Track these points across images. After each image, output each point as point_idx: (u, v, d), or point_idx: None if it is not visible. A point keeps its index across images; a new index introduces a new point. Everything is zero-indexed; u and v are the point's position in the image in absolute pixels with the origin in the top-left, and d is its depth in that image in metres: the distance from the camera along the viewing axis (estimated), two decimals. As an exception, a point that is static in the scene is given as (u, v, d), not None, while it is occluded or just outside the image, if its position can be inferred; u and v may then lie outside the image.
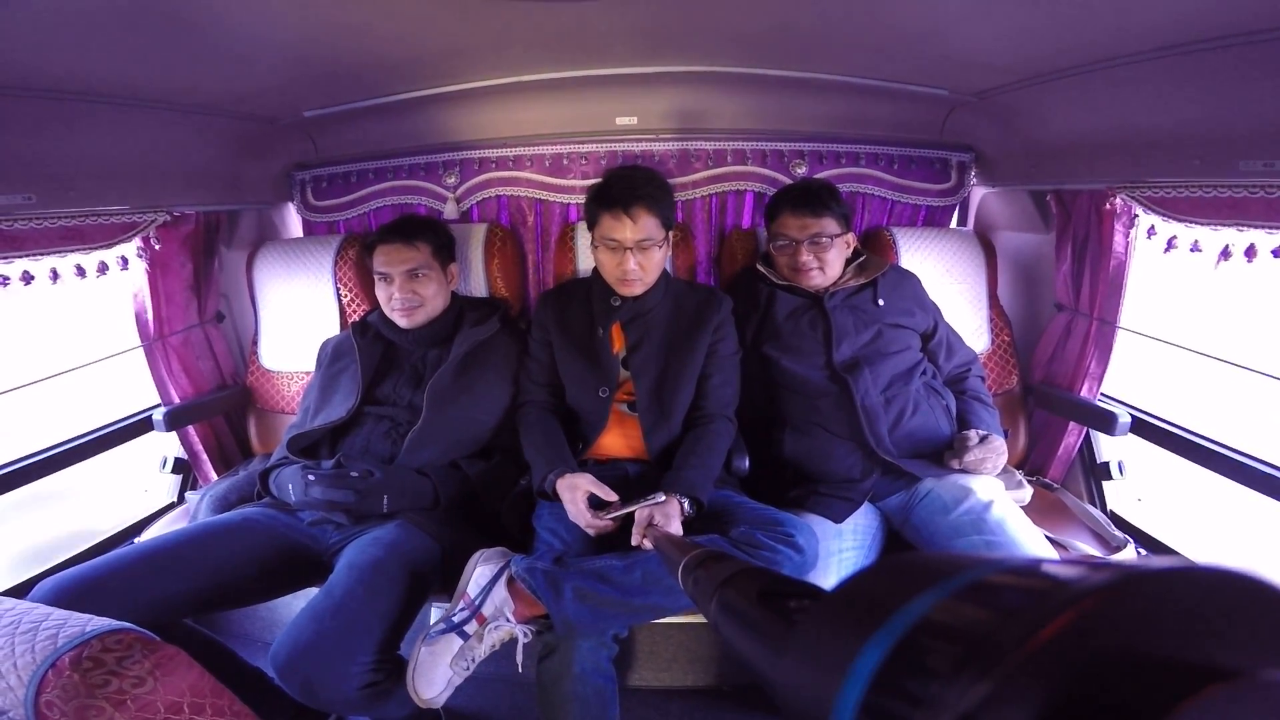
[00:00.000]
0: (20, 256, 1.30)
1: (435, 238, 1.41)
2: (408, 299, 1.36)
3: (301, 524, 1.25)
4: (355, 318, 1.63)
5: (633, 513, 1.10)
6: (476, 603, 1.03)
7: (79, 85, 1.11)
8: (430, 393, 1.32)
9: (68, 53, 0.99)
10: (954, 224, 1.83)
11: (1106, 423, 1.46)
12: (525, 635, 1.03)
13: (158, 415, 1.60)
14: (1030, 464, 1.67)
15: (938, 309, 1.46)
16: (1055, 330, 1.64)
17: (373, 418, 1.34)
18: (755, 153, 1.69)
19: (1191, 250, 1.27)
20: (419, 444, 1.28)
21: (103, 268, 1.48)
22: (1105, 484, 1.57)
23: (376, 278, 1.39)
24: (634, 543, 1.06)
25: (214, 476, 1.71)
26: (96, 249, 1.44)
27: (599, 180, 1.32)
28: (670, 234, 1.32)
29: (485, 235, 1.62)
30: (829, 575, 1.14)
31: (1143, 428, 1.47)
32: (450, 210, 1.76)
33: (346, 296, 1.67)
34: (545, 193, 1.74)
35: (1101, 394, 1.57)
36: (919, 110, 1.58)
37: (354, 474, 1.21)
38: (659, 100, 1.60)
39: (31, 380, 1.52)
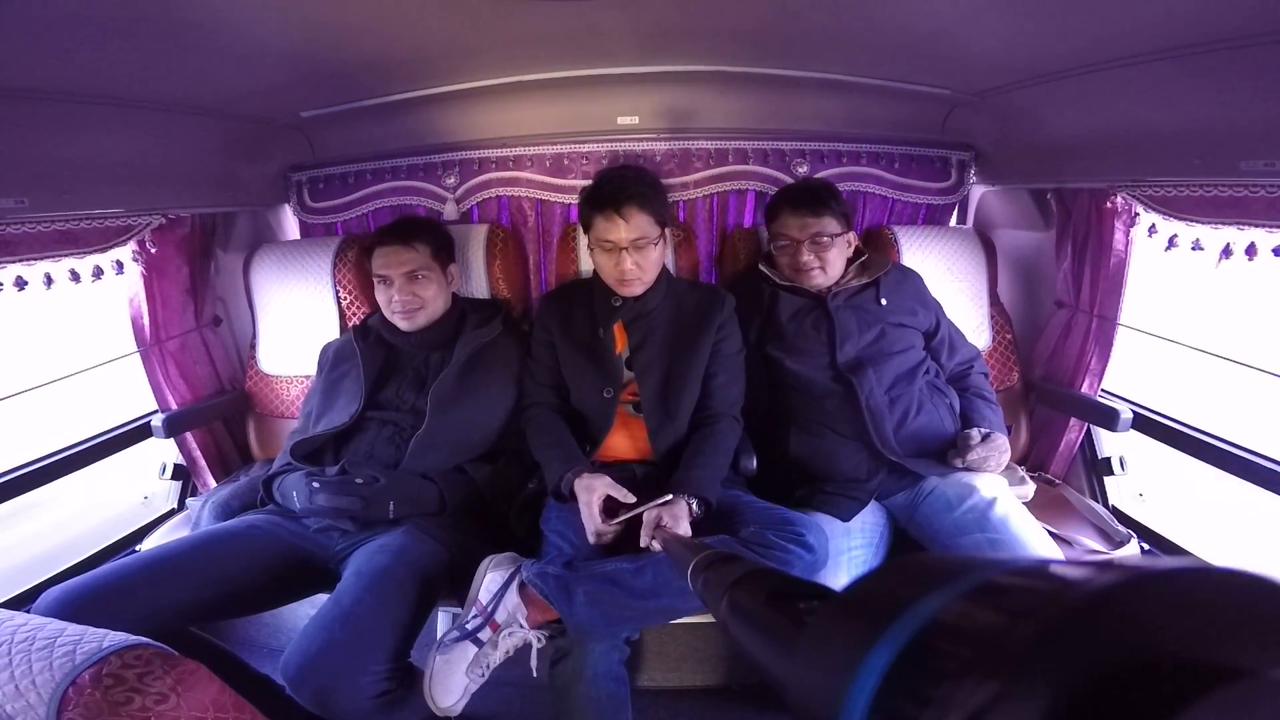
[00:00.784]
0: (13, 261, 1.27)
1: (434, 239, 1.40)
2: (408, 301, 1.35)
3: (307, 531, 1.24)
4: (355, 320, 1.61)
5: (641, 514, 1.09)
6: (489, 609, 1.03)
7: (71, 86, 1.09)
8: (433, 397, 1.31)
9: (60, 54, 0.96)
10: (953, 222, 1.84)
11: (1108, 418, 1.48)
12: (539, 641, 1.03)
13: (156, 421, 1.58)
14: (1032, 460, 1.68)
15: (940, 307, 1.46)
16: (1055, 327, 1.66)
17: (376, 423, 1.33)
18: (756, 152, 1.69)
19: (1193, 249, 1.28)
20: (424, 449, 1.27)
21: (97, 272, 1.46)
22: (1107, 479, 1.58)
23: (376, 280, 1.37)
24: (642, 544, 1.06)
25: (213, 482, 1.69)
26: (91, 253, 1.41)
27: (589, 183, 1.31)
28: (667, 231, 1.32)
29: (486, 236, 1.61)
30: (840, 574, 1.14)
31: (1143, 423, 1.49)
32: (450, 211, 1.74)
33: (346, 299, 1.65)
34: (546, 193, 1.73)
35: (1102, 390, 1.59)
36: (920, 109, 1.59)
37: (359, 481, 1.20)
38: (660, 99, 1.59)
39: (27, 387, 1.50)
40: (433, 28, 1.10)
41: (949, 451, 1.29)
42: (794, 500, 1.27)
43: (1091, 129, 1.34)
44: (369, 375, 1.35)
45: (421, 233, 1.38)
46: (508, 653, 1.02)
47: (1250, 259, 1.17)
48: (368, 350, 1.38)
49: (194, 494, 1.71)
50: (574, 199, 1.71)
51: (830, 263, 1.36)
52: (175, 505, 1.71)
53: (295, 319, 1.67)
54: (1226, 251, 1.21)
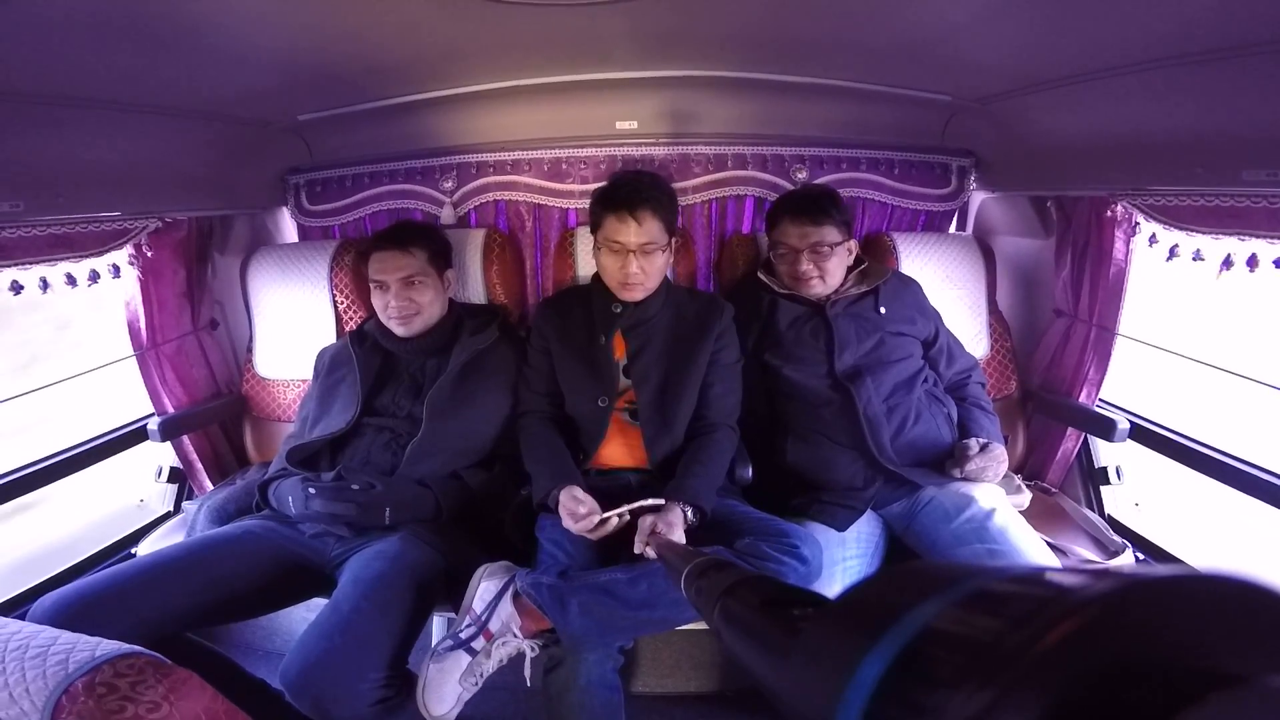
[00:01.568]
0: (9, 266, 1.27)
1: (430, 244, 1.39)
2: (404, 307, 1.34)
3: (302, 536, 1.23)
4: (352, 325, 1.61)
5: (636, 521, 1.09)
6: (483, 618, 1.03)
7: (67, 89, 1.08)
8: (430, 404, 1.30)
9: (56, 57, 0.96)
10: (953, 229, 1.83)
11: (1105, 429, 1.47)
12: (532, 650, 1.03)
13: (152, 425, 1.58)
14: (1028, 469, 1.68)
15: (939, 316, 1.46)
16: (1054, 336, 1.65)
17: (372, 428, 1.33)
18: (755, 157, 1.69)
19: (1193, 259, 1.27)
20: (420, 455, 1.27)
21: (94, 276, 1.45)
22: (1103, 489, 1.58)
23: (372, 285, 1.37)
24: (637, 550, 1.06)
25: (209, 486, 1.69)
26: (87, 257, 1.41)
27: (604, 183, 1.31)
28: (673, 241, 1.32)
29: (484, 241, 1.60)
30: (833, 583, 1.14)
31: (1140, 434, 1.48)
32: (447, 215, 1.74)
33: (343, 303, 1.65)
34: (544, 197, 1.72)
35: (1100, 400, 1.58)
36: (920, 115, 1.58)
37: (355, 486, 1.20)
38: (659, 104, 1.58)
39: (25, 391, 1.50)
40: (431, 32, 1.10)
41: (946, 461, 1.29)
42: (790, 509, 1.27)
43: (1093, 136, 1.33)
44: (365, 381, 1.35)
45: (418, 238, 1.38)
46: (501, 661, 1.03)
47: (1251, 270, 1.17)
48: (364, 356, 1.38)
49: (190, 497, 1.71)
50: (572, 204, 1.71)
51: (830, 272, 1.35)
52: (171, 508, 1.71)
53: (292, 322, 1.66)
54: (1227, 262, 1.20)
